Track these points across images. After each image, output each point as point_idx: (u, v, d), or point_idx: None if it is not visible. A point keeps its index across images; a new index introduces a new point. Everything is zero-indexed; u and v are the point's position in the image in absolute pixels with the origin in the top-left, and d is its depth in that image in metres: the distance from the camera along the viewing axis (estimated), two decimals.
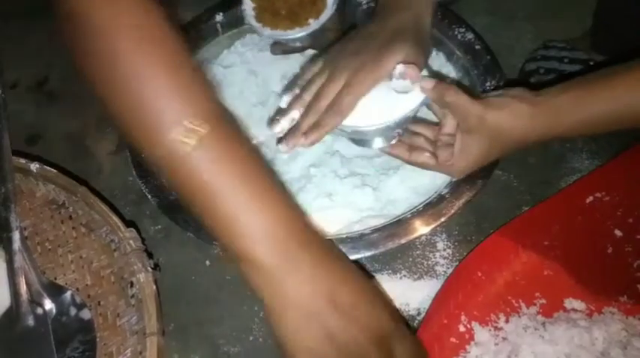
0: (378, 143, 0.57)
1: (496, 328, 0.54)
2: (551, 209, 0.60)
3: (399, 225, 0.57)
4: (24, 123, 0.80)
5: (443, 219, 0.57)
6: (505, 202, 0.62)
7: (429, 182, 0.62)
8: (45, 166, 0.62)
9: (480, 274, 0.57)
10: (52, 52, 0.85)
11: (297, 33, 0.61)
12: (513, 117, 0.49)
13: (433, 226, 0.56)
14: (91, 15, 0.36)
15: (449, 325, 0.54)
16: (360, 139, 0.59)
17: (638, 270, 0.55)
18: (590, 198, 0.59)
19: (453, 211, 0.57)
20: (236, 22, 0.74)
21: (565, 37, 0.74)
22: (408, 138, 0.57)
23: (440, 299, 0.56)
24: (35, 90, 0.84)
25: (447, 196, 0.58)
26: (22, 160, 0.62)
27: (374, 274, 0.63)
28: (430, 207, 0.57)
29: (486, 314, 0.55)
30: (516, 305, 0.56)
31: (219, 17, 0.74)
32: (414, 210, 0.58)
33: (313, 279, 0.35)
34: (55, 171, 0.62)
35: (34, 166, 0.62)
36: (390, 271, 0.62)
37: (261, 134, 0.70)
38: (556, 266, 0.57)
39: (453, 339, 0.54)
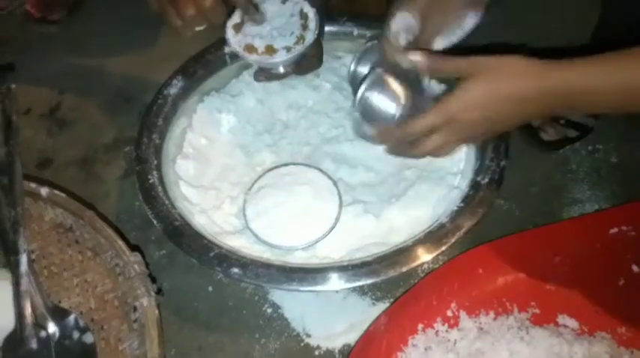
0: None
1: (482, 322, 0.56)
2: (572, 229, 0.60)
3: (400, 252, 0.57)
4: (36, 148, 0.82)
5: (444, 248, 0.57)
6: (507, 231, 0.62)
7: (430, 210, 0.63)
8: (54, 190, 0.63)
9: (481, 271, 0.58)
10: (65, 80, 0.88)
11: (283, 56, 0.61)
12: (511, 61, 0.47)
13: (435, 254, 0.56)
14: None
15: (438, 307, 0.57)
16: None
17: None
18: (615, 230, 0.59)
19: (454, 239, 0.57)
20: None
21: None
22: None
23: (433, 282, 0.57)
24: (47, 116, 0.86)
25: (447, 225, 0.58)
26: (33, 184, 0.64)
27: (375, 303, 0.63)
28: (431, 235, 0.58)
29: (477, 307, 0.57)
30: (509, 308, 0.57)
31: (227, 49, 0.76)
32: (416, 238, 0.58)
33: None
34: (64, 195, 0.63)
35: (44, 191, 0.63)
36: (391, 299, 0.62)
37: (267, 159, 0.71)
38: (560, 283, 0.57)
39: (438, 319, 0.56)
